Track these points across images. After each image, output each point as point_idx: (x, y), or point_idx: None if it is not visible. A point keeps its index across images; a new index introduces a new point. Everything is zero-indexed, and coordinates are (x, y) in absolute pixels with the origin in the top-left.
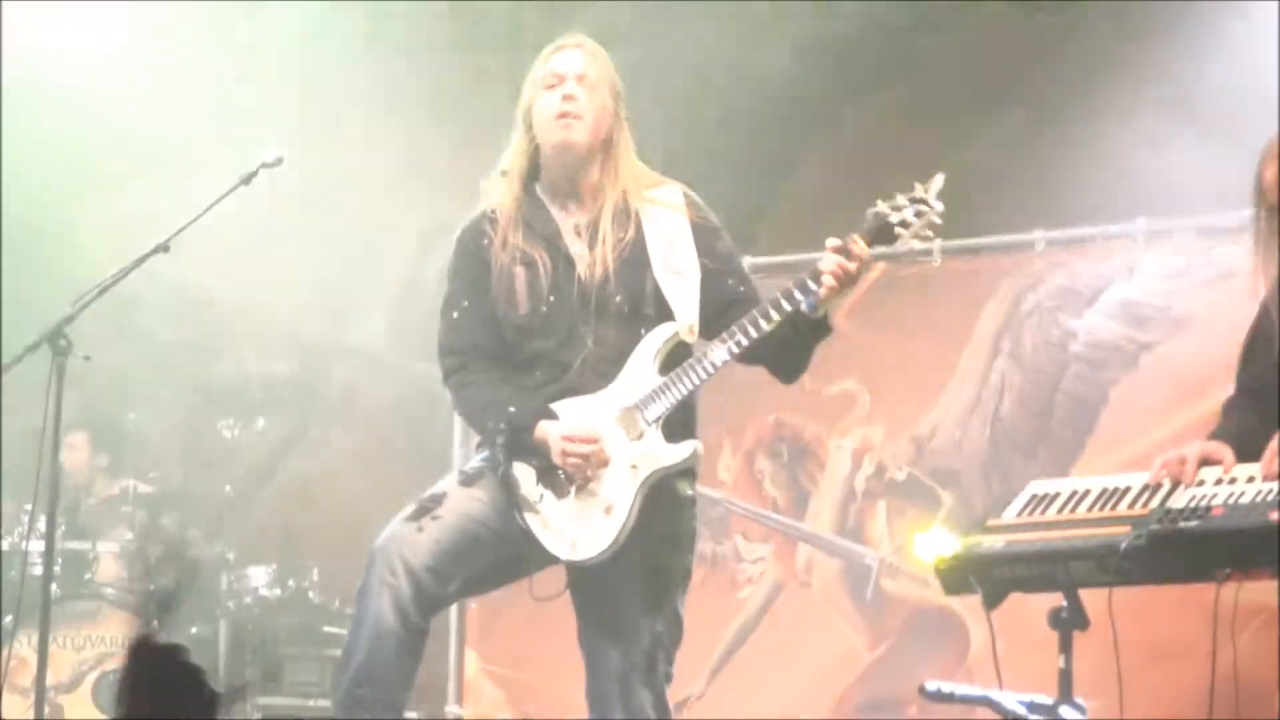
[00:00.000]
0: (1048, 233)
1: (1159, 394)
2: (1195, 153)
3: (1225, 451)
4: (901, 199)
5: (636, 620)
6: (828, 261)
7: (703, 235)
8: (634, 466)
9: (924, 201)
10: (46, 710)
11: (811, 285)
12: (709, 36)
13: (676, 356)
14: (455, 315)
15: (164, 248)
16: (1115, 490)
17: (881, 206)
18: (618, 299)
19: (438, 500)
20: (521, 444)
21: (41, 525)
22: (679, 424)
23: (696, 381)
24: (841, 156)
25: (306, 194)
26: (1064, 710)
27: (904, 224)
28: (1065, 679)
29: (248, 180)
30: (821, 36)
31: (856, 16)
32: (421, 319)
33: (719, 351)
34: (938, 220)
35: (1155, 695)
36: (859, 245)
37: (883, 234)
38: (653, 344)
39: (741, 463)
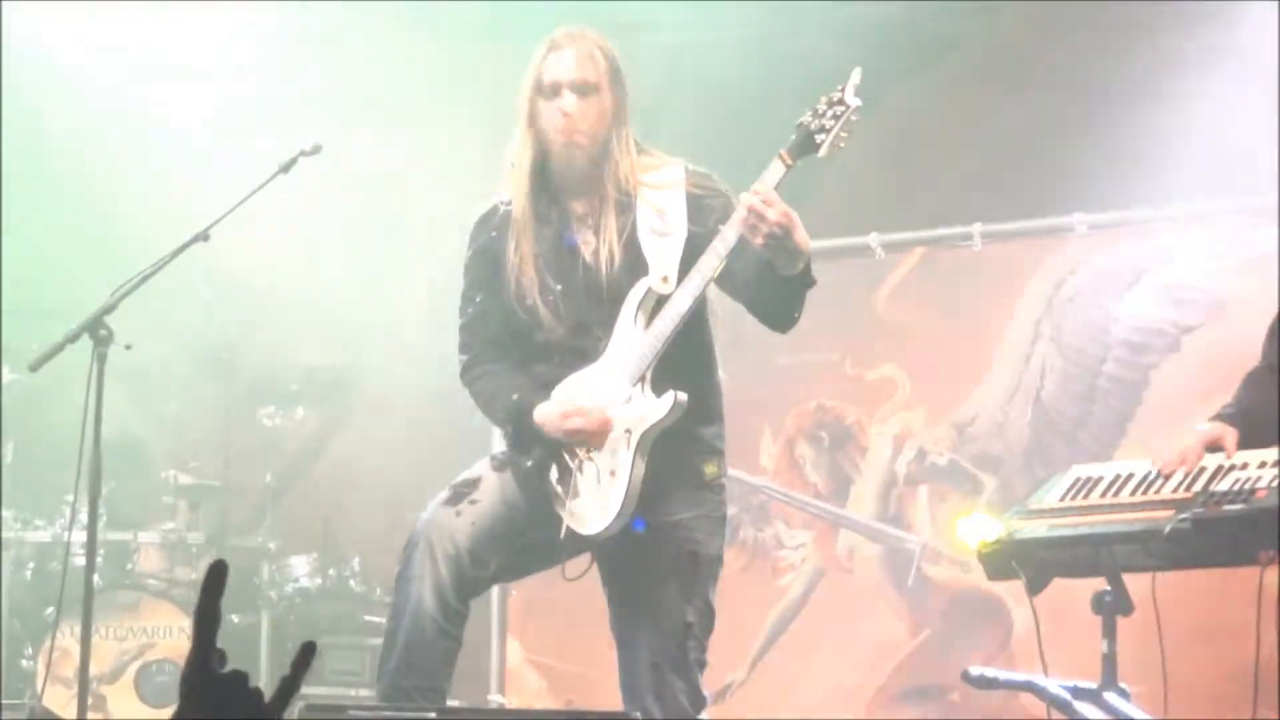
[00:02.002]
0: (1088, 216)
1: (1201, 377)
2: (1236, 133)
3: (1228, 436)
4: (821, 105)
5: (667, 609)
6: (743, 196)
7: (696, 203)
8: (628, 430)
9: (841, 103)
10: (89, 701)
11: (734, 220)
12: (748, 19)
13: (660, 311)
14: (470, 312)
15: (203, 236)
16: (1158, 474)
17: (804, 118)
18: (626, 282)
19: (473, 484)
20: (527, 430)
21: (83, 516)
22: (671, 380)
23: (669, 329)
24: (880, 139)
25: (345, 182)
26: (1108, 695)
27: (823, 129)
28: (1109, 663)
29: (287, 169)
30: (859, 19)
31: None
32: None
33: (682, 297)
34: (855, 118)
35: (1199, 679)
36: (764, 184)
37: (805, 145)
38: (630, 306)
39: (782, 449)
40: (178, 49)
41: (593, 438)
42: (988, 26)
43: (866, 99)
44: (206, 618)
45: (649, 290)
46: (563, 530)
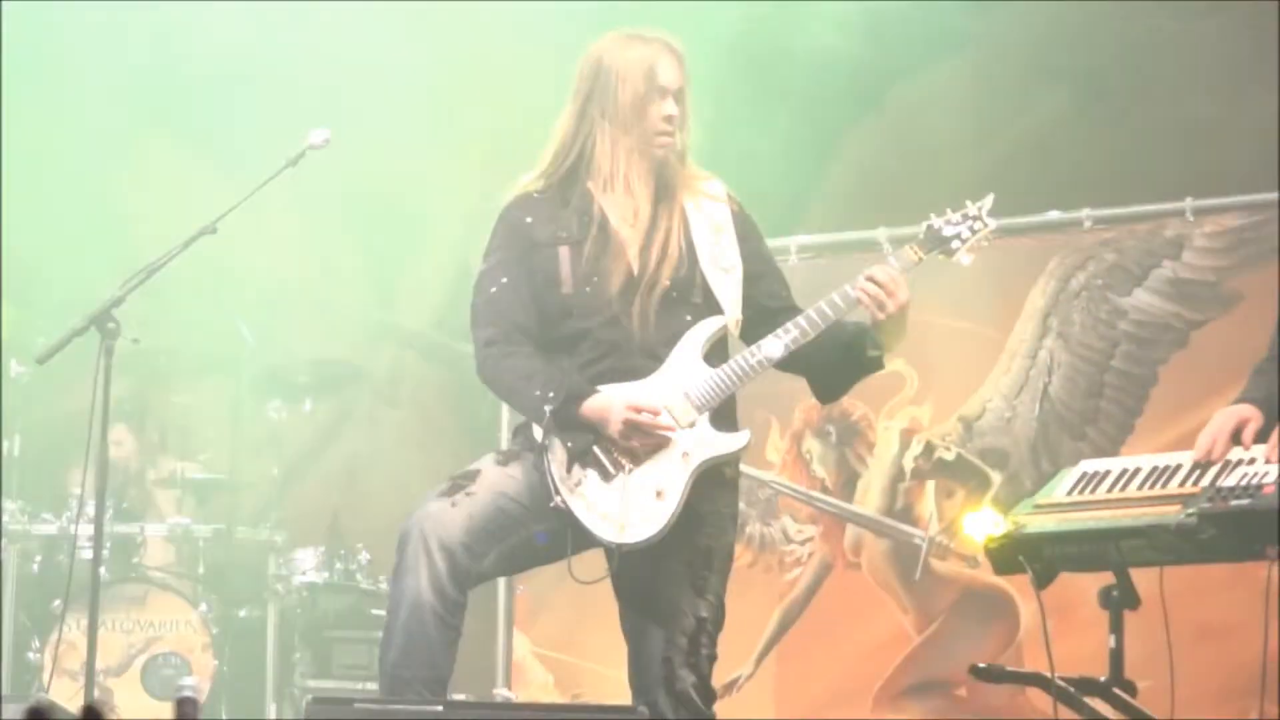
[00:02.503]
0: (1096, 210)
1: (1209, 372)
2: (1244, 129)
3: (1253, 421)
4: (956, 216)
5: (679, 603)
6: (873, 273)
7: (745, 232)
8: (685, 454)
9: (979, 219)
10: (95, 693)
11: (851, 292)
12: (755, 13)
13: (718, 349)
14: (493, 290)
15: (211, 229)
16: (1166, 469)
17: (936, 221)
18: (666, 283)
19: (471, 477)
20: (569, 415)
21: (90, 509)
22: (722, 411)
23: (750, 374)
24: (888, 134)
25: (353, 176)
26: (1115, 689)
27: (958, 238)
28: (1116, 658)
29: (295, 162)
30: (868, 13)
31: None
32: (469, 300)
33: (774, 346)
34: (988, 240)
35: (1206, 674)
36: (892, 269)
37: (937, 244)
38: (701, 334)
39: (789, 444)
40: (180, 42)
41: (645, 445)
42: (996, 21)
43: (872, 93)
44: None
45: (723, 326)
46: (581, 526)
